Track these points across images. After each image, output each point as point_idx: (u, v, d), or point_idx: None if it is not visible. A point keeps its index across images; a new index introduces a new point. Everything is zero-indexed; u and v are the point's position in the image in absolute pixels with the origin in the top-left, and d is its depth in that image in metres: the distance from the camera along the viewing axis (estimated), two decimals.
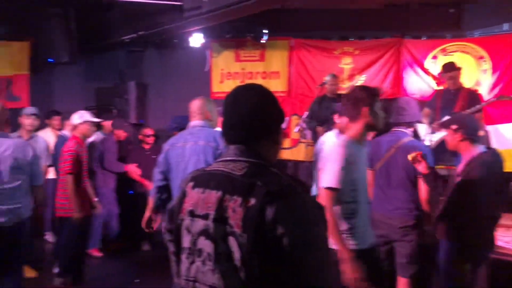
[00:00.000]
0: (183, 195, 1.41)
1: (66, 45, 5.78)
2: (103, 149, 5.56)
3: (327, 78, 5.96)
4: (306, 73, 6.88)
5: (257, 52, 6.95)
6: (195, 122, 3.26)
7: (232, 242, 1.23)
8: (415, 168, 3.08)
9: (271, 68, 6.95)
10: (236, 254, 1.22)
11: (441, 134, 4.88)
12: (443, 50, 6.61)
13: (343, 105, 2.64)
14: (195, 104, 3.28)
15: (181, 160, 3.11)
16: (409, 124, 3.29)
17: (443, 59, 6.50)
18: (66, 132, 5.42)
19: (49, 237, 5.97)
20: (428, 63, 6.60)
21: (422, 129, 5.25)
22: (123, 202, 5.92)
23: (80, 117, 4.50)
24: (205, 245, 1.30)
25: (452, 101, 5.05)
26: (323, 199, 2.38)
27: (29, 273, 4.71)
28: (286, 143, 6.83)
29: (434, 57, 6.64)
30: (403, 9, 6.88)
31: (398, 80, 6.82)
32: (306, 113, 5.85)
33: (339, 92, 6.09)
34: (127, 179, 5.88)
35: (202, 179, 1.38)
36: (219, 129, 3.32)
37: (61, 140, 4.91)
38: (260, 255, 1.19)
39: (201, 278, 1.31)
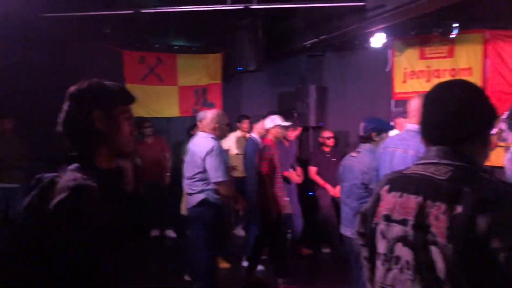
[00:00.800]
0: (378, 198, 1.35)
1: (254, 54, 6.18)
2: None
3: None
4: (505, 67, 6.09)
5: (444, 48, 6.42)
6: (410, 125, 3.00)
7: (435, 252, 1.14)
8: None
9: (461, 65, 6.35)
10: (440, 265, 1.13)
11: None
12: None
13: None
14: (414, 104, 2.97)
15: (389, 167, 2.93)
16: None
17: None
18: (254, 134, 5.80)
19: (239, 231, 6.49)
20: None
21: None
22: (303, 204, 6.08)
23: (272, 121, 4.78)
24: (403, 252, 1.23)
25: None
26: None
27: (222, 264, 5.18)
28: None
29: None
30: None
31: None
32: (506, 113, 5.16)
33: None
34: (308, 181, 6.03)
35: (400, 183, 1.31)
36: None
37: (250, 142, 5.27)
38: (468, 268, 1.08)
39: (399, 286, 1.24)
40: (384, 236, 1.30)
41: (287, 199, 5.05)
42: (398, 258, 1.25)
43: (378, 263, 1.32)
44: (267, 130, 4.80)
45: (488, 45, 6.19)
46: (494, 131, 4.06)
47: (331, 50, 7.31)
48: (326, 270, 5.41)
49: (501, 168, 5.67)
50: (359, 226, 1.46)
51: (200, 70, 7.36)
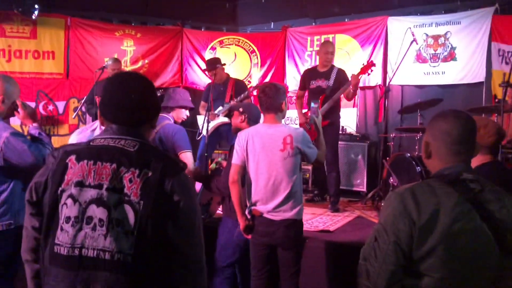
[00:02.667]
0: (65, 167, 1.49)
1: None
2: None
3: (108, 62, 5.71)
4: (86, 54, 6.51)
5: (27, 29, 6.23)
6: None
7: (127, 208, 1.42)
8: (174, 147, 3.34)
9: (44, 47, 6.34)
10: (131, 218, 1.41)
11: (215, 122, 5.25)
12: (221, 42, 7.08)
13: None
14: None
15: None
16: (171, 109, 3.53)
17: (220, 51, 6.95)
18: None
19: None
20: (207, 54, 6.96)
21: (200, 119, 5.50)
22: None
23: None
24: (97, 212, 1.43)
25: (222, 92, 5.33)
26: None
27: None
28: (64, 129, 6.37)
29: (213, 48, 7.05)
30: None
31: (180, 69, 7.02)
32: (85, 97, 5.54)
33: None
34: None
35: (90, 153, 1.50)
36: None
37: None
38: (154, 218, 1.42)
39: (90, 243, 1.42)
40: (75, 201, 1.45)
41: None
42: (90, 218, 1.43)
43: (66, 226, 1.45)
44: None
45: (70, 31, 6.44)
46: (74, 114, 4.26)
47: None
48: None
49: None
50: (29, 196, 1.54)
51: None
